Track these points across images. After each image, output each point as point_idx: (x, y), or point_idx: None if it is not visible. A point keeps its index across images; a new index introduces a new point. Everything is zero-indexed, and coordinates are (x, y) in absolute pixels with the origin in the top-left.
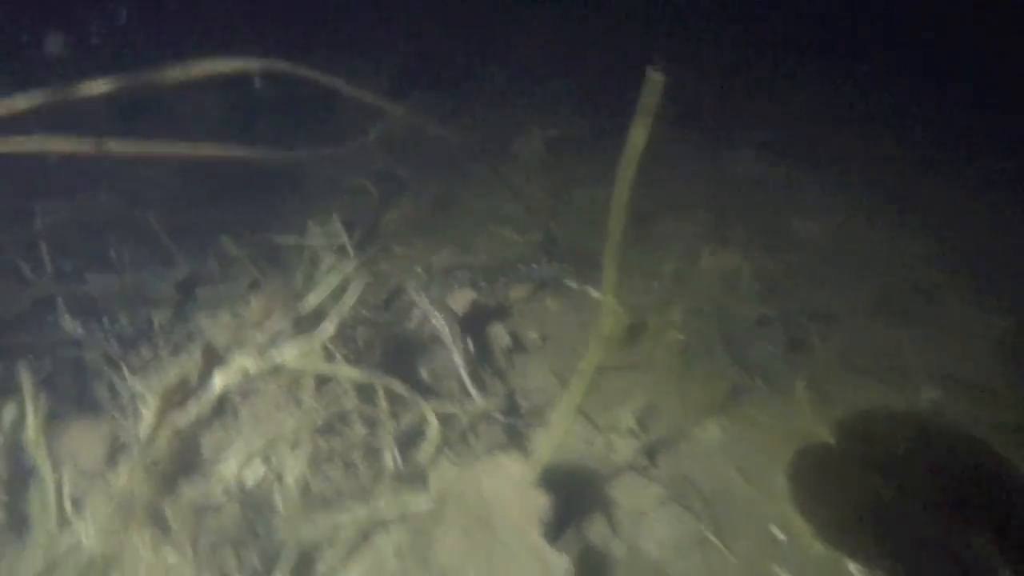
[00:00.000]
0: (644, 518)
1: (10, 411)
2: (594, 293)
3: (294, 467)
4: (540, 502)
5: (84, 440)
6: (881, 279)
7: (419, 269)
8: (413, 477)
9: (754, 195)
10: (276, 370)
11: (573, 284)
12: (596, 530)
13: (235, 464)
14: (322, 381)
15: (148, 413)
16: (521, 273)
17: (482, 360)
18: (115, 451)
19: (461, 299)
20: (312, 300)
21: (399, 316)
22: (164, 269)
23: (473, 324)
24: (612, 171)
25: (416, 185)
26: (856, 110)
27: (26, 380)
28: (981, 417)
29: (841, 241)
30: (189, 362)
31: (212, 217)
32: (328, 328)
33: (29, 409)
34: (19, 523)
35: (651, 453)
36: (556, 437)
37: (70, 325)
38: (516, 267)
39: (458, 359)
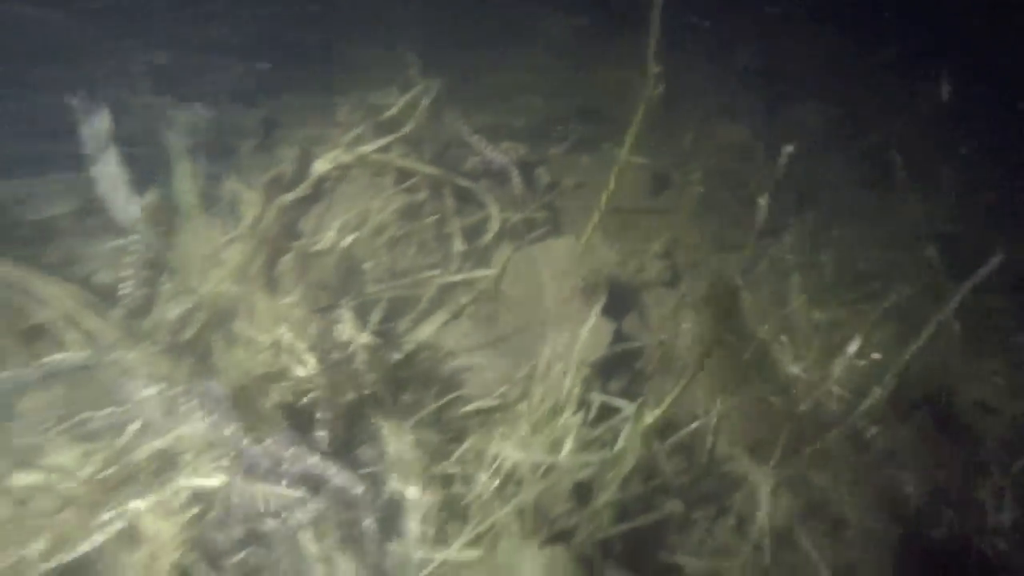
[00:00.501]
0: (670, 318)
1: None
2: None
3: (380, 236)
4: (587, 274)
5: (197, 233)
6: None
7: (468, 125)
8: (478, 255)
9: (762, 86)
10: (362, 161)
11: (602, 144)
12: (630, 323)
13: (332, 230)
14: (400, 178)
15: (253, 199)
16: (557, 133)
17: (528, 189)
18: (226, 239)
19: (509, 150)
20: (391, 111)
21: (455, 161)
22: (247, 108)
23: (520, 169)
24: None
25: (452, 59)
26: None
27: (177, 145)
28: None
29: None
30: (285, 160)
31: (279, 76)
32: (407, 128)
33: (179, 169)
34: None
35: (676, 272)
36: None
37: (175, 144)
38: (553, 127)
39: (511, 174)
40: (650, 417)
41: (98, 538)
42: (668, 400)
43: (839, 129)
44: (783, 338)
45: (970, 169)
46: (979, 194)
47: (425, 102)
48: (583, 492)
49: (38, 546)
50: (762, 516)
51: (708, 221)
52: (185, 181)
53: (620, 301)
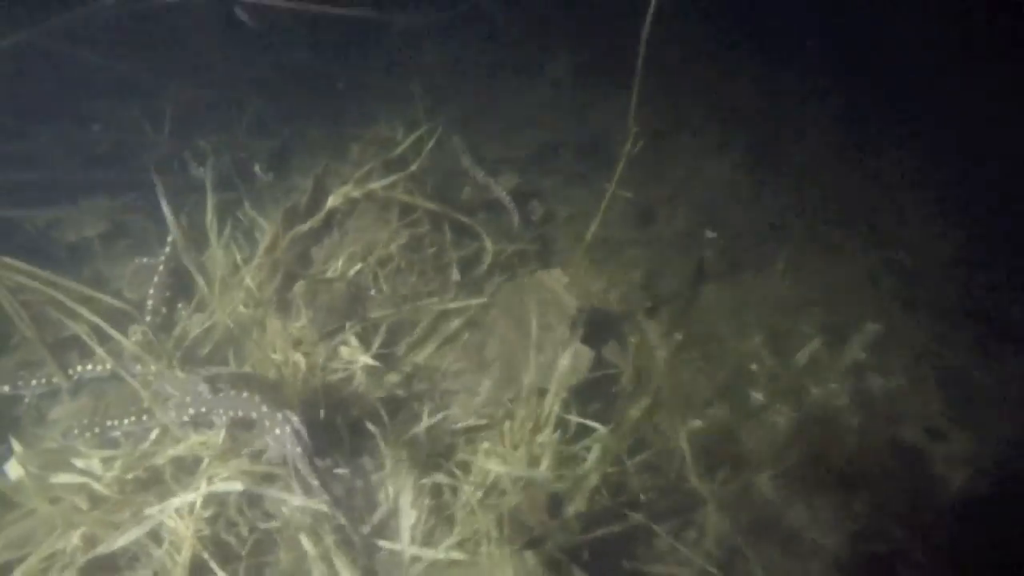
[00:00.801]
0: (651, 348)
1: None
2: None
3: (384, 266)
4: (571, 304)
5: (217, 257)
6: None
7: (471, 157)
8: (471, 285)
9: (754, 119)
10: (371, 196)
11: (596, 177)
12: (611, 349)
13: (341, 259)
14: (404, 211)
15: (269, 228)
16: (554, 166)
17: (523, 222)
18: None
19: (507, 182)
20: (398, 149)
21: (455, 191)
22: (263, 139)
23: (516, 200)
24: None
25: (461, 94)
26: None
27: (208, 178)
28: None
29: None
30: (300, 192)
31: (293, 109)
32: (413, 167)
33: (209, 200)
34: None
35: (656, 302)
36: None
37: (197, 171)
38: (550, 160)
39: (509, 208)
40: (620, 437)
41: (125, 537)
42: (633, 420)
43: (821, 166)
44: (753, 366)
45: (936, 208)
46: (945, 234)
47: (431, 142)
48: (556, 504)
49: (71, 541)
50: (715, 530)
51: (690, 252)
52: (208, 208)
53: (602, 329)
